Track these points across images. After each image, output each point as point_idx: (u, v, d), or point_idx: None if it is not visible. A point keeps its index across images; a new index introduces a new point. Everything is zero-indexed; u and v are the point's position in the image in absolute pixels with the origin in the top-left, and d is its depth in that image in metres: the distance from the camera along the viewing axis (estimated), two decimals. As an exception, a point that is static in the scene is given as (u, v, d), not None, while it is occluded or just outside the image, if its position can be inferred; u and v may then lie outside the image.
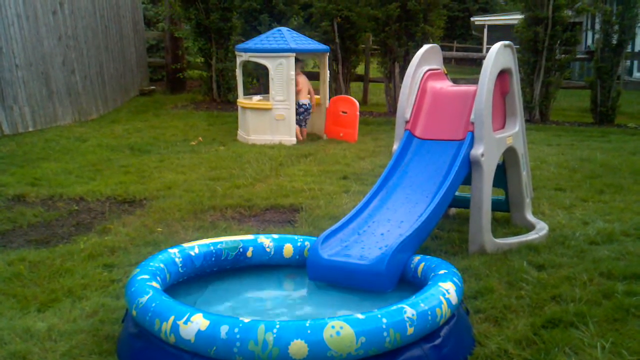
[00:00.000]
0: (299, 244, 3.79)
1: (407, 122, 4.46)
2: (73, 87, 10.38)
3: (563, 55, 11.47)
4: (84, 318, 3.25)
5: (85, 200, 5.63)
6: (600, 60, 11.24)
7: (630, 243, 4.36)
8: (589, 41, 22.74)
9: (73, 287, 3.63)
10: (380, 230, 3.81)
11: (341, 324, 2.47)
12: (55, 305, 3.41)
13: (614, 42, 11.19)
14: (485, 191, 4.14)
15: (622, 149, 8.34)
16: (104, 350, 2.93)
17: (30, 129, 9.07)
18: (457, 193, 4.47)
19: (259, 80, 12.93)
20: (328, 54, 9.45)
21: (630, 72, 21.89)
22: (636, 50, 20.19)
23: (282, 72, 8.56)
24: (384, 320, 2.54)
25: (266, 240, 3.74)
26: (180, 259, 3.37)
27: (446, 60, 5.34)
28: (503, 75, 4.44)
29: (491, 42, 25.31)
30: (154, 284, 2.94)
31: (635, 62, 22.21)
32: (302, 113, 8.98)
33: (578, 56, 12.39)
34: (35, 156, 7.39)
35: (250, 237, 3.76)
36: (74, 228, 4.88)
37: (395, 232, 3.74)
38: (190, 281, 3.48)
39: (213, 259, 3.55)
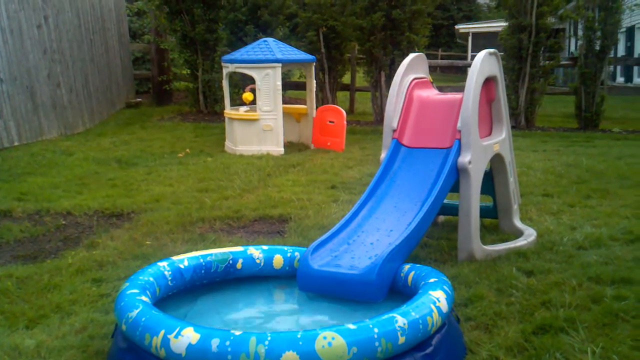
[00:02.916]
0: (288, 254, 3.78)
1: (394, 130, 4.47)
2: (59, 100, 10.33)
3: (547, 62, 11.58)
4: (73, 334, 3.22)
5: (73, 214, 5.59)
6: (584, 66, 11.35)
7: (617, 247, 4.38)
8: (573, 47, 22.99)
9: (61, 303, 3.60)
10: (370, 240, 3.81)
11: (333, 335, 2.46)
12: (44, 322, 3.38)
13: (597, 48, 11.31)
14: (473, 198, 4.16)
15: (607, 154, 8.41)
16: (94, 366, 2.91)
17: (16, 144, 9.01)
18: (445, 201, 4.49)
19: (244, 91, 12.93)
20: (314, 63, 9.48)
21: (613, 77, 22.14)
22: (619, 55, 20.42)
23: (269, 83, 8.57)
24: (376, 330, 2.54)
25: (256, 252, 3.73)
26: (170, 272, 3.35)
27: (431, 69, 5.35)
28: (489, 82, 4.47)
29: (476, 49, 25.50)
30: (144, 298, 2.92)
31: (619, 68, 22.50)
32: None
33: (562, 62, 12.51)
34: (21, 171, 7.34)
35: (239, 248, 3.74)
36: (62, 243, 4.85)
37: (384, 241, 3.75)
38: (180, 294, 3.46)
39: (203, 271, 3.53)
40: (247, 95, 8.96)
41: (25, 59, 9.37)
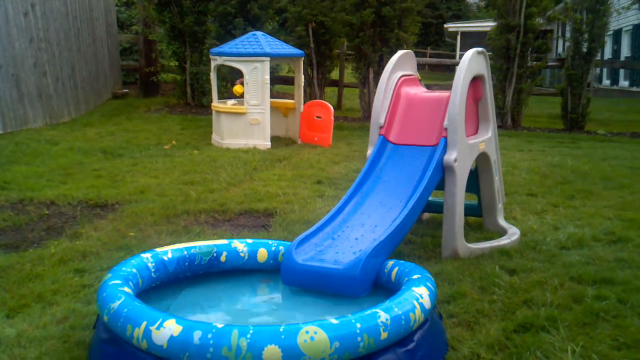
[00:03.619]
0: (273, 248, 3.78)
1: (381, 127, 4.47)
2: (44, 89, 10.24)
3: (534, 63, 11.65)
4: (54, 324, 3.20)
5: (56, 204, 5.55)
6: (571, 68, 11.43)
7: (599, 248, 4.42)
8: (560, 49, 23.14)
9: (43, 293, 3.57)
10: (355, 235, 3.82)
11: (315, 329, 2.47)
12: (25, 311, 3.35)
13: (584, 50, 11.39)
14: (458, 196, 4.17)
15: (592, 155, 8.47)
16: (75, 357, 2.88)
17: (0, 132, 8.92)
18: (430, 198, 4.50)
19: (233, 85, 12.89)
20: (303, 58, 9.46)
21: (600, 79, 22.33)
22: (606, 58, 20.56)
23: (257, 77, 8.55)
24: (358, 325, 2.54)
25: (240, 245, 3.72)
26: (153, 264, 3.34)
27: (420, 67, 5.36)
28: (476, 81, 4.48)
29: (464, 48, 25.58)
30: (126, 289, 2.91)
31: (605, 70, 22.67)
32: None
33: (549, 63, 12.59)
34: (5, 159, 7.27)
35: (224, 241, 3.74)
36: (45, 232, 4.81)
37: (369, 237, 3.75)
38: (163, 286, 3.45)
39: (186, 263, 3.52)
40: (238, 88, 8.95)
41: (11, 47, 9.27)
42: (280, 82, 14.26)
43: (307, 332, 2.45)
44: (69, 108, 11.19)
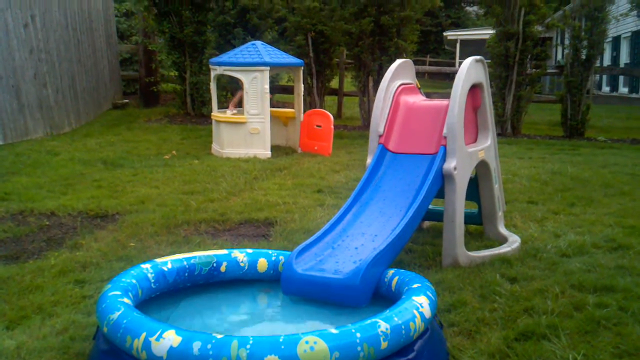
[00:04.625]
0: (273, 258, 3.77)
1: (380, 136, 4.48)
2: (45, 100, 10.26)
3: (534, 70, 11.68)
4: (54, 335, 3.19)
5: (57, 215, 5.55)
6: (570, 75, 11.44)
7: (600, 255, 4.41)
8: (559, 56, 23.18)
9: (43, 304, 3.57)
10: (355, 244, 3.81)
11: (315, 339, 2.46)
12: (25, 323, 3.35)
13: (583, 57, 11.41)
14: (458, 204, 4.17)
15: (592, 162, 8.47)
16: (75, 368, 2.88)
17: (1, 143, 8.94)
18: (430, 206, 4.50)
19: (233, 94, 12.90)
20: (302, 67, 9.48)
21: (599, 86, 22.37)
22: (605, 65, 20.61)
23: (257, 86, 8.57)
24: (358, 334, 2.54)
25: (240, 255, 3.72)
26: (153, 275, 3.33)
27: (419, 75, 5.37)
28: (475, 89, 4.49)
29: (463, 56, 25.63)
30: (126, 300, 2.90)
31: (604, 77, 22.71)
32: None
33: (548, 71, 12.61)
34: (5, 170, 7.28)
35: (224, 251, 3.73)
36: (45, 243, 4.81)
37: (369, 246, 3.75)
38: (163, 297, 3.44)
39: (186, 274, 3.51)
40: None
41: (11, 58, 9.30)
42: (279, 91, 14.28)
43: (306, 342, 2.44)
44: (69, 119, 11.21)
